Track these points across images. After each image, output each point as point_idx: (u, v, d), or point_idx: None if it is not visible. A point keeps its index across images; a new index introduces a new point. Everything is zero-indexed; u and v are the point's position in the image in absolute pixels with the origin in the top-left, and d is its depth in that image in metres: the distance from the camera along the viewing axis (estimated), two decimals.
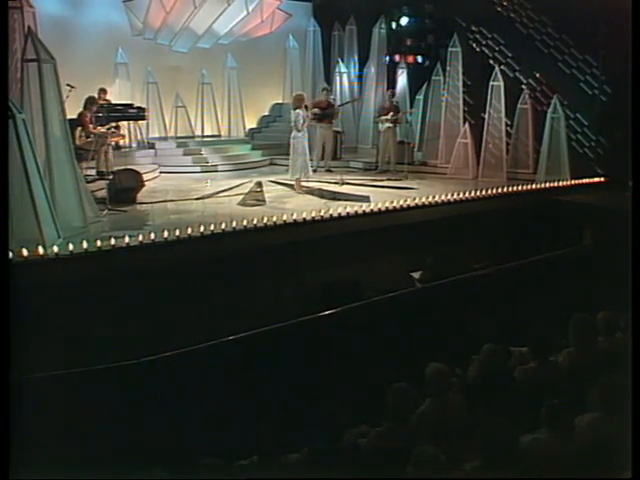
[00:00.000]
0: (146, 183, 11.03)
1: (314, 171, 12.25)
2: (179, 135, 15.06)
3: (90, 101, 11.23)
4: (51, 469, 3.97)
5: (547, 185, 12.11)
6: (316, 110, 12.97)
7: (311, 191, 11.24)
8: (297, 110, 11.14)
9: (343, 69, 16.51)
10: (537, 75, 13.40)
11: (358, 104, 16.39)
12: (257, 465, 4.03)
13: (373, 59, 16.32)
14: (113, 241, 7.57)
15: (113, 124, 11.80)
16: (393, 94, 14.68)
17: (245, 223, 8.56)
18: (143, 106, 13.59)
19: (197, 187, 11.81)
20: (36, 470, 3.84)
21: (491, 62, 13.64)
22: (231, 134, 15.81)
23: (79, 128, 10.77)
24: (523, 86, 13.46)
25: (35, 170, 7.38)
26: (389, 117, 13.37)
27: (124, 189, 10.09)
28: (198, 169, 13.63)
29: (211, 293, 7.85)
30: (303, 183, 11.44)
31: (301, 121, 11.07)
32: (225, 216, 9.10)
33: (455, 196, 10.71)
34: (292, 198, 11.00)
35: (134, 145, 13.80)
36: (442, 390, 4.63)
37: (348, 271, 8.96)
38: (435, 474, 3.57)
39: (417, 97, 15.82)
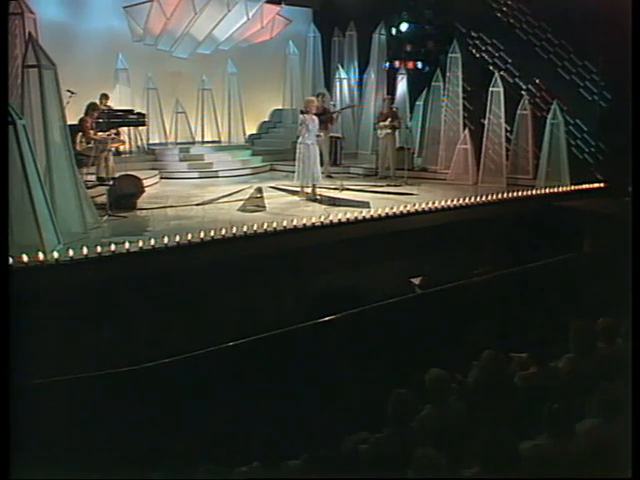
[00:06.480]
0: (146, 189, 11.04)
1: None
2: (179, 141, 15.09)
3: (91, 107, 11.23)
4: (51, 469, 3.96)
5: (547, 191, 12.13)
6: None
7: (311, 197, 11.23)
8: (300, 115, 11.17)
9: (343, 75, 16.53)
10: (537, 81, 13.43)
11: (358, 110, 16.40)
12: (257, 471, 4.02)
13: (373, 65, 16.33)
14: (113, 247, 7.57)
15: (113, 130, 11.81)
16: (392, 100, 14.72)
17: (245, 229, 8.56)
18: (143, 112, 13.61)
19: (197, 193, 11.83)
20: (36, 470, 3.84)
21: (491, 68, 13.67)
22: (231, 140, 15.84)
23: (79, 134, 10.77)
24: (523, 92, 13.48)
25: (35, 176, 7.38)
26: (387, 123, 13.39)
27: (124, 195, 10.09)
28: (197, 175, 13.65)
29: (211, 298, 7.86)
30: (313, 190, 11.38)
31: (299, 126, 11.08)
32: (225, 222, 9.10)
33: (455, 202, 10.72)
34: (292, 204, 11.01)
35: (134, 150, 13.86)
36: (442, 396, 4.63)
37: (348, 277, 8.96)
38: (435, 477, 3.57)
39: (417, 103, 15.84)
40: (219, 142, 15.76)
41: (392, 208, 10.07)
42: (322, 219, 9.32)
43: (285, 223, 8.92)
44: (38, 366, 5.73)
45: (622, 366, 4.15)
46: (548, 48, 13.15)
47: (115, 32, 13.67)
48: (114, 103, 13.11)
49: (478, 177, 13.22)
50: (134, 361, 5.76)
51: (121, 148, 12.78)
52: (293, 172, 11.41)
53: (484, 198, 11.10)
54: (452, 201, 10.72)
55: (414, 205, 10.35)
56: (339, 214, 9.56)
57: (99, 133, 11.17)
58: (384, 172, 13.67)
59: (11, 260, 6.21)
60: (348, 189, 12.18)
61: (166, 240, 7.92)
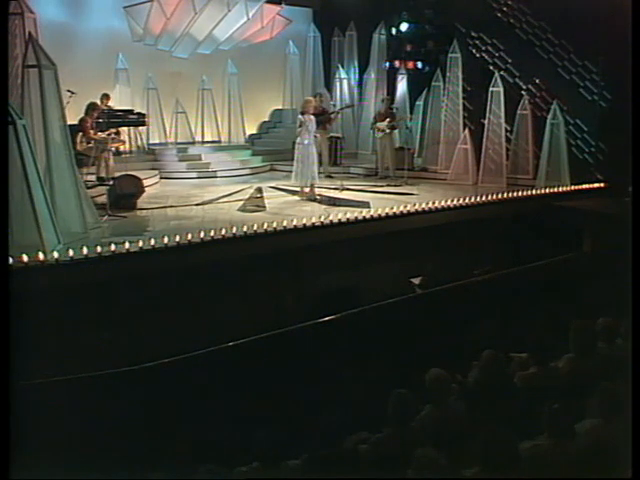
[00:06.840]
0: (146, 189, 11.03)
1: None
2: (179, 141, 15.09)
3: (91, 107, 11.24)
4: (51, 469, 3.97)
5: (547, 191, 12.12)
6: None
7: (311, 197, 11.23)
8: (299, 115, 11.16)
9: (343, 75, 16.52)
10: (537, 81, 13.42)
11: (358, 110, 16.40)
12: (257, 471, 4.02)
13: (373, 65, 16.29)
14: (113, 247, 7.57)
15: (113, 130, 11.81)
16: (391, 100, 14.71)
17: (245, 229, 8.56)
18: (143, 112, 13.62)
19: (197, 193, 11.83)
20: (36, 470, 3.84)
21: (491, 68, 13.66)
22: (231, 140, 15.84)
23: (80, 134, 10.78)
24: (523, 92, 13.47)
25: (35, 176, 7.38)
26: (385, 123, 13.38)
27: (124, 195, 10.09)
28: (197, 175, 13.65)
29: (211, 298, 7.86)
30: (311, 189, 11.36)
31: (298, 127, 11.07)
32: (225, 222, 9.09)
33: (455, 202, 10.71)
34: (292, 204, 11.01)
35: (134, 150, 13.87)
36: (442, 396, 4.63)
37: (348, 277, 8.96)
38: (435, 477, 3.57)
39: (417, 103, 15.81)
40: (219, 142, 15.75)
41: (392, 208, 10.07)
42: (322, 219, 9.32)
43: (285, 223, 8.92)
44: (38, 366, 5.73)
45: (622, 366, 4.15)
46: (548, 48, 13.14)
47: (115, 32, 13.67)
48: (114, 103, 13.11)
49: (478, 177, 13.21)
50: (134, 361, 5.76)
51: (121, 148, 12.78)
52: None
53: (484, 198, 11.10)
54: (452, 201, 10.72)
55: (414, 205, 10.35)
56: (339, 214, 9.56)
57: (99, 133, 11.18)
58: (384, 172, 13.66)
59: (11, 260, 6.21)
60: (348, 189, 12.18)
61: (166, 240, 7.91)
